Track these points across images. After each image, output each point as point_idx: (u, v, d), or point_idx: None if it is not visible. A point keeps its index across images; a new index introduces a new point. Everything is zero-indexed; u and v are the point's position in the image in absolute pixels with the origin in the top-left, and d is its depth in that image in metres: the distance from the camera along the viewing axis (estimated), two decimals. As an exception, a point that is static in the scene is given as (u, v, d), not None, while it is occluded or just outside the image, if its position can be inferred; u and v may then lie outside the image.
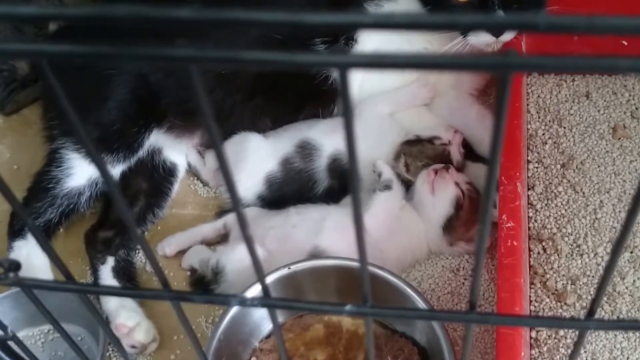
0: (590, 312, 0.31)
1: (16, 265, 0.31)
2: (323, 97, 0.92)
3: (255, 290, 0.73)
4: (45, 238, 0.32)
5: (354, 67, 0.20)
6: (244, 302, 0.29)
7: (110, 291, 0.34)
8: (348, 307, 0.28)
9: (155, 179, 0.93)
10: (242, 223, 0.28)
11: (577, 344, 0.35)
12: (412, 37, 0.87)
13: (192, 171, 0.98)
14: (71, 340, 0.39)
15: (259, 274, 0.29)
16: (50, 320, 0.36)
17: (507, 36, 0.83)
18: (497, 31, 0.78)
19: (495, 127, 0.22)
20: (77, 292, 0.32)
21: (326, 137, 0.89)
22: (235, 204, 0.27)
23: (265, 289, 0.29)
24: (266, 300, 0.29)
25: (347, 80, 0.21)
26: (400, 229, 0.80)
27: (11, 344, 0.44)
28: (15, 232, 0.87)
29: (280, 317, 0.76)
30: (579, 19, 0.21)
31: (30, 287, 0.32)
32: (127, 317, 0.80)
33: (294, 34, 0.84)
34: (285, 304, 0.30)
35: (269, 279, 0.74)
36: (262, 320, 0.76)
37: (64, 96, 0.23)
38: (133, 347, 0.79)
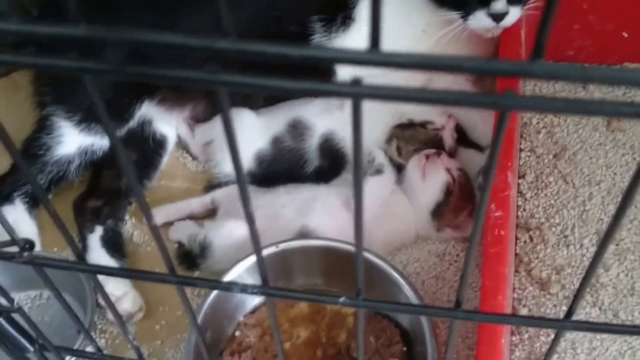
0: (569, 312, 0.32)
1: (31, 245, 0.32)
2: (317, 76, 0.91)
3: (243, 266, 0.73)
4: (53, 207, 0.33)
5: (367, 98, 0.22)
6: (245, 290, 0.30)
7: (117, 273, 0.35)
8: (342, 299, 0.29)
9: (145, 150, 0.92)
10: (245, 199, 0.29)
11: (554, 342, 0.35)
12: (412, 19, 0.86)
13: (181, 144, 0.98)
14: (72, 311, 0.40)
15: (260, 265, 0.30)
16: (55, 295, 0.37)
17: (508, 21, 0.82)
18: (498, 17, 0.78)
19: (489, 158, 0.23)
20: (87, 272, 0.33)
21: (318, 117, 0.89)
22: (239, 180, 0.28)
23: (264, 278, 0.30)
24: (265, 289, 0.30)
25: (359, 111, 0.23)
26: (389, 213, 0.80)
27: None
28: (3, 197, 0.87)
29: (266, 294, 0.76)
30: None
31: (42, 266, 0.33)
32: (114, 286, 0.80)
33: (291, 10, 0.83)
34: (283, 294, 0.31)
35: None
36: (247, 296, 0.77)
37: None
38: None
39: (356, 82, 0.22)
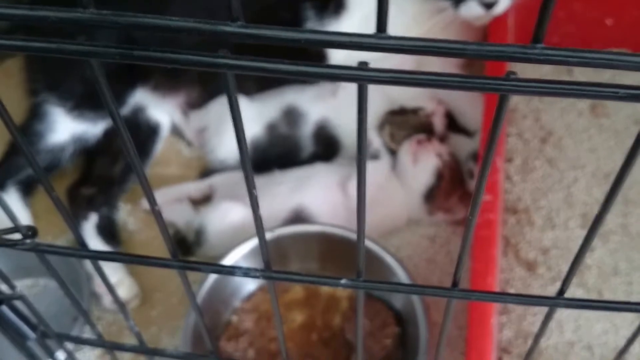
0: (561, 291, 0.33)
1: (34, 232, 0.33)
2: (309, 60, 0.92)
3: (239, 253, 0.75)
4: (60, 200, 0.33)
5: (373, 82, 0.22)
6: (247, 274, 0.32)
7: (119, 258, 0.36)
8: (343, 281, 0.30)
9: (138, 137, 0.92)
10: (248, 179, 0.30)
11: (546, 319, 0.37)
12: (403, 7, 0.87)
13: (176, 131, 0.98)
14: (74, 297, 0.41)
15: (263, 248, 0.31)
16: (59, 281, 0.38)
17: (499, 9, 0.83)
18: (489, 5, 0.80)
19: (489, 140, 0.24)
20: (89, 258, 0.34)
21: (312, 104, 0.89)
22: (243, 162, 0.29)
23: (267, 262, 0.31)
24: (267, 272, 0.31)
25: (365, 95, 0.23)
26: (383, 198, 0.82)
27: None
28: (-4, 184, 0.87)
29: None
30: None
31: (44, 253, 0.34)
32: (109, 273, 0.80)
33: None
34: (285, 277, 0.32)
35: (253, 243, 0.75)
36: (243, 281, 0.78)
37: None
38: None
39: (362, 66, 0.23)
